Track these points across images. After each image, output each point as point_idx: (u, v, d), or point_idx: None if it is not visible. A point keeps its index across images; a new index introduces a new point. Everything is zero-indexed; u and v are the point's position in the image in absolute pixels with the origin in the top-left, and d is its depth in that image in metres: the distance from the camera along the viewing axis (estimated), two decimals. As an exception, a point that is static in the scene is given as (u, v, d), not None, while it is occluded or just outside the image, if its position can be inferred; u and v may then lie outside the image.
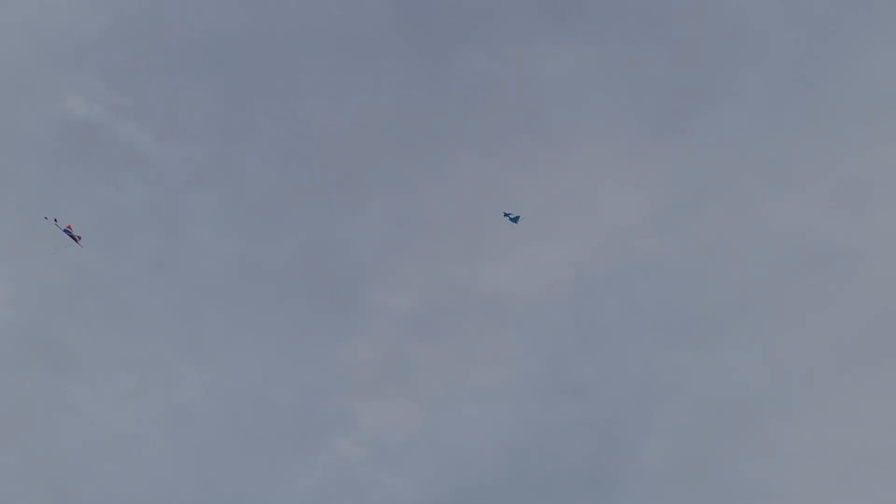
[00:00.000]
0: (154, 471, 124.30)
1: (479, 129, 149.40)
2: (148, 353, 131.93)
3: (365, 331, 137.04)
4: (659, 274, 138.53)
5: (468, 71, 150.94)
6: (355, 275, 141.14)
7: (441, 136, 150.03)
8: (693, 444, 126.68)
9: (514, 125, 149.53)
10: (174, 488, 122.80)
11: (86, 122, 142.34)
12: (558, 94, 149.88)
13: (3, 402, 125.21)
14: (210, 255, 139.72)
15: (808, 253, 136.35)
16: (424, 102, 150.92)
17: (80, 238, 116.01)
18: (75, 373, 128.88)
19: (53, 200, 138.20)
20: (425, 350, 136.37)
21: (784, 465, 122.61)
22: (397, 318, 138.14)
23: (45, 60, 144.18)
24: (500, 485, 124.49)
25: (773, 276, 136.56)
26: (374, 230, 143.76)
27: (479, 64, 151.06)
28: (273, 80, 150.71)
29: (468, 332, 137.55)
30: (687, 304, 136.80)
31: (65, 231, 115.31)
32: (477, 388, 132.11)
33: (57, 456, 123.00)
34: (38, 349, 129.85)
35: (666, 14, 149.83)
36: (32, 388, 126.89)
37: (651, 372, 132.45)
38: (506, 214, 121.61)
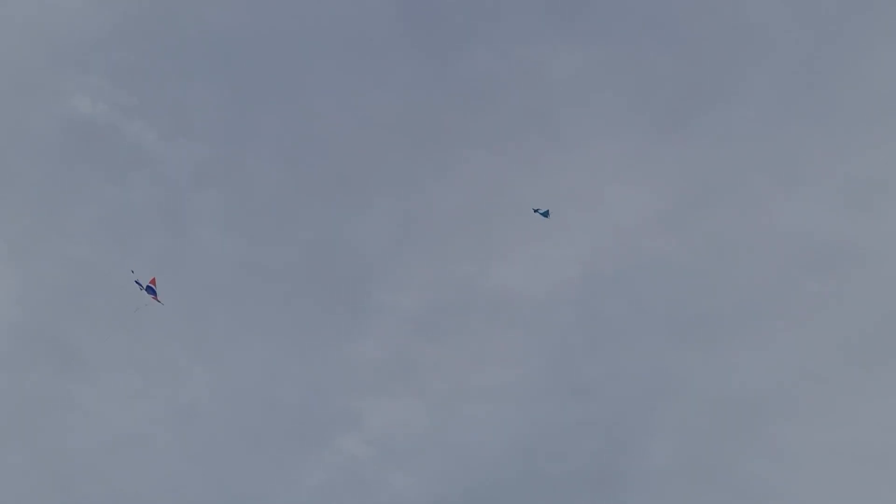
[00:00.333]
0: (160, 470, 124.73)
1: (486, 129, 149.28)
2: (154, 352, 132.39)
3: (371, 330, 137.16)
4: (666, 273, 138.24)
5: (474, 70, 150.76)
6: (361, 274, 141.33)
7: (447, 135, 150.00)
8: (700, 443, 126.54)
9: (520, 124, 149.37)
10: (180, 487, 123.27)
11: (91, 121, 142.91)
12: (565, 93, 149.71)
13: (9, 402, 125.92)
14: (216, 254, 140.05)
15: (817, 252, 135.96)
16: (430, 101, 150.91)
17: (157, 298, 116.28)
18: (81, 372, 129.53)
19: (59, 199, 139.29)
20: (431, 349, 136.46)
21: (791, 466, 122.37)
22: (403, 317, 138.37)
23: (50, 59, 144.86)
24: (507, 484, 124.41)
25: (781, 275, 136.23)
26: (381, 229, 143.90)
27: (486, 63, 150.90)
28: (279, 79, 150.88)
29: (474, 332, 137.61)
30: (694, 304, 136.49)
31: (147, 288, 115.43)
32: (483, 387, 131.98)
33: (63, 455, 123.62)
34: (43, 348, 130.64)
35: (673, 13, 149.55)
36: (38, 387, 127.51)
37: (658, 371, 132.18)
38: (535, 210, 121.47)
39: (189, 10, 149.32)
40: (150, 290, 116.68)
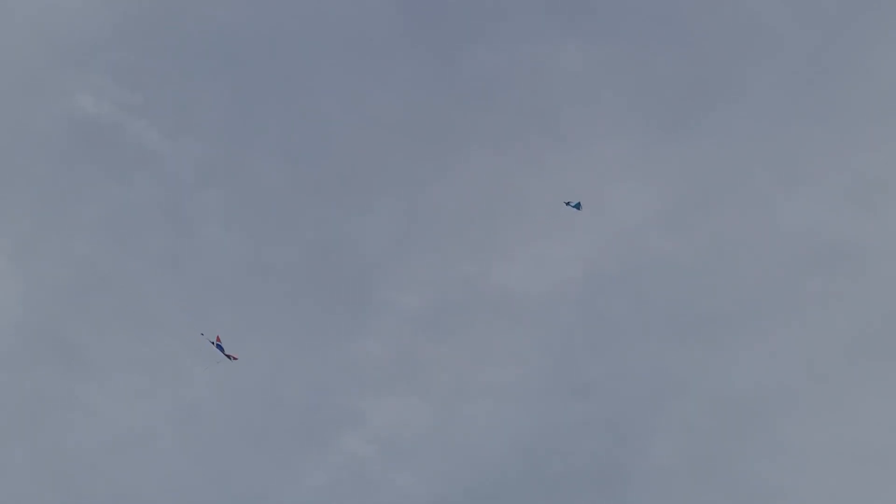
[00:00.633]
0: (163, 469, 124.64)
1: (489, 128, 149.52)
2: (158, 350, 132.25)
3: (375, 328, 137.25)
4: (669, 272, 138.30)
5: (477, 69, 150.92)
6: (365, 272, 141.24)
7: (451, 134, 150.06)
8: (702, 442, 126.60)
9: (524, 123, 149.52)
10: (184, 486, 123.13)
11: (95, 119, 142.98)
12: (569, 92, 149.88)
13: (12, 401, 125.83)
14: (220, 252, 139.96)
15: (820, 251, 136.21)
16: (433, 100, 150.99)
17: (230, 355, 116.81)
18: (85, 371, 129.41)
19: (62, 198, 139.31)
20: (435, 348, 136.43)
21: (793, 464, 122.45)
22: (407, 316, 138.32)
23: (54, 58, 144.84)
24: (510, 482, 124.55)
25: (785, 274, 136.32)
26: (384, 228, 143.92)
27: (488, 62, 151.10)
28: (283, 78, 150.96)
29: (477, 330, 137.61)
30: (697, 302, 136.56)
31: (217, 346, 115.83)
32: (487, 385, 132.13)
33: (66, 454, 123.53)
34: (47, 347, 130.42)
35: (677, 12, 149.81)
36: (42, 386, 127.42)
37: (660, 370, 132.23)
38: (567, 203, 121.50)
39: (192, 8, 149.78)
40: (220, 348, 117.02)
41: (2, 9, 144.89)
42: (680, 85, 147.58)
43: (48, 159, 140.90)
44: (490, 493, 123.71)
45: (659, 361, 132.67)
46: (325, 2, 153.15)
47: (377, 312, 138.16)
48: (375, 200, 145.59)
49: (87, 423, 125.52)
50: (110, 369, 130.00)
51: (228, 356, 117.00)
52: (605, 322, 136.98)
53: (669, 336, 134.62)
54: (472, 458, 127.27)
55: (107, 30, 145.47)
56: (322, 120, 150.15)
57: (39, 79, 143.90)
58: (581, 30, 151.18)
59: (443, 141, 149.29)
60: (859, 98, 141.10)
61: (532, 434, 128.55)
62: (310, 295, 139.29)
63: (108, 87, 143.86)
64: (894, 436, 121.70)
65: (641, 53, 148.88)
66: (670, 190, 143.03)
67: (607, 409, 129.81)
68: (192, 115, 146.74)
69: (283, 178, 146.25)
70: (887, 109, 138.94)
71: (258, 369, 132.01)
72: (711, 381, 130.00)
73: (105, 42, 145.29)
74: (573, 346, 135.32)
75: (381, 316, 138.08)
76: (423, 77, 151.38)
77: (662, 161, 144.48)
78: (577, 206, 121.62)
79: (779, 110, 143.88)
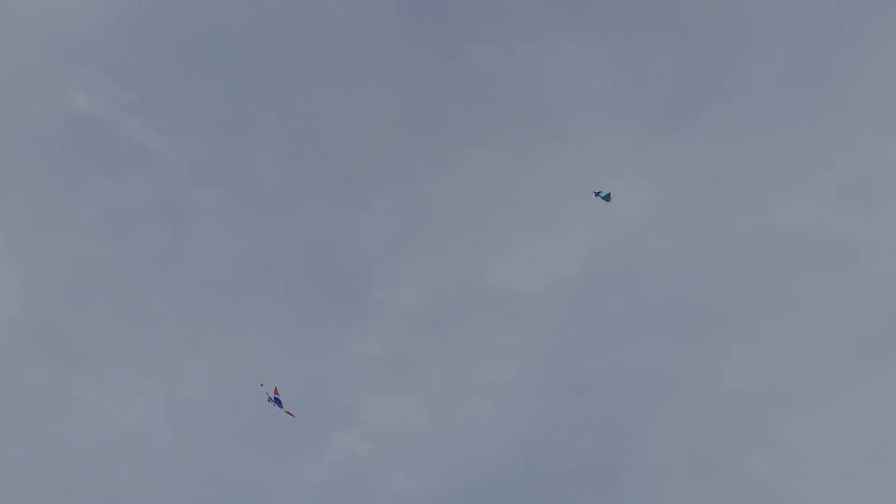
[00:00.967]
0: (160, 466, 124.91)
1: (486, 125, 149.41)
2: (154, 347, 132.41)
3: (370, 326, 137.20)
4: (665, 270, 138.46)
5: (475, 67, 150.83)
6: (361, 270, 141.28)
7: (448, 131, 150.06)
8: (699, 440, 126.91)
9: (521, 121, 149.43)
10: (180, 483, 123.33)
11: (90, 117, 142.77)
12: (566, 89, 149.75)
13: (9, 398, 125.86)
14: (215, 250, 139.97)
15: (815, 249, 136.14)
16: (430, 98, 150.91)
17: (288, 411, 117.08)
18: (81, 368, 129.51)
19: (58, 196, 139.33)
20: (431, 345, 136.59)
21: (790, 462, 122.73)
22: (403, 314, 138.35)
23: (50, 56, 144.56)
24: (507, 480, 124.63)
25: (780, 271, 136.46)
26: (380, 226, 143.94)
27: (486, 60, 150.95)
28: (279, 76, 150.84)
29: (474, 328, 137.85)
30: (693, 300, 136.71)
31: (275, 399, 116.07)
32: (483, 383, 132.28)
33: (62, 450, 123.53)
34: (43, 344, 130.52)
35: (672, 10, 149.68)
36: (38, 383, 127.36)
37: (657, 368, 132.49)
38: (596, 193, 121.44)
39: (189, 6, 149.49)
40: (277, 402, 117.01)
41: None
42: (676, 83, 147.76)
43: (44, 157, 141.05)
44: (486, 491, 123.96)
45: (655, 359, 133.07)
46: (323, 1, 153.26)
47: (373, 310, 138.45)
48: (372, 198, 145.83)
49: (83, 420, 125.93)
50: (107, 367, 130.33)
51: (287, 412, 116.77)
52: (602, 320, 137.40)
53: (665, 334, 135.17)
54: (468, 457, 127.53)
55: (103, 28, 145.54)
56: (319, 118, 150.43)
57: (36, 76, 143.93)
58: (578, 28, 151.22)
59: (440, 138, 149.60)
60: (854, 97, 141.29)
61: (528, 432, 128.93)
62: (306, 293, 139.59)
63: (104, 85, 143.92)
64: (889, 433, 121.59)
65: (638, 52, 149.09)
66: (667, 188, 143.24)
67: (603, 407, 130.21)
68: (188, 113, 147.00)
69: (280, 176, 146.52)
70: (882, 108, 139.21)
71: (255, 366, 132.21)
72: (707, 378, 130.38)
73: (101, 40, 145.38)
74: (569, 343, 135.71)
75: (378, 314, 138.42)
76: (420, 75, 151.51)
77: (659, 159, 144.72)
78: (607, 197, 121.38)
79: (774, 109, 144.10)
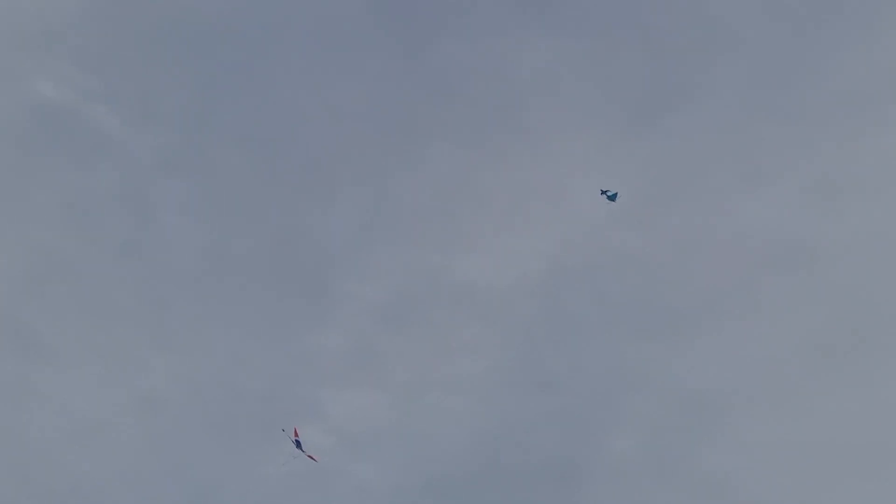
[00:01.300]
0: (122, 458, 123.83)
1: (453, 121, 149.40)
2: (116, 339, 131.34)
3: (335, 319, 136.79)
4: (631, 268, 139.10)
5: (443, 63, 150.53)
6: (326, 263, 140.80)
7: (415, 127, 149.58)
8: (662, 437, 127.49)
9: (488, 117, 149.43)
10: (142, 476, 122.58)
11: (55, 105, 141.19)
12: (534, 86, 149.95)
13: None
14: (180, 242, 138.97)
15: (779, 249, 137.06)
16: (399, 93, 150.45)
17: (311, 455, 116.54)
18: (41, 359, 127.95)
19: (20, 184, 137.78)
20: (395, 340, 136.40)
21: (751, 461, 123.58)
22: (368, 308, 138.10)
23: (13, 42, 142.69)
24: (470, 475, 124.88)
25: (744, 271, 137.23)
26: (346, 219, 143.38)
27: (454, 56, 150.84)
28: (247, 67, 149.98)
29: (439, 323, 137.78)
30: (658, 298, 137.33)
31: (296, 442, 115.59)
32: (447, 378, 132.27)
33: (21, 442, 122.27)
34: (3, 335, 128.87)
35: (641, 9, 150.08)
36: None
37: (621, 365, 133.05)
38: (603, 192, 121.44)
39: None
40: (298, 444, 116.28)
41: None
42: (644, 82, 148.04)
43: (5, 144, 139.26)
44: (449, 486, 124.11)
45: (620, 356, 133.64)
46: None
47: (338, 303, 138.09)
48: (338, 192, 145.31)
49: (42, 411, 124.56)
50: (68, 358, 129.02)
51: (310, 456, 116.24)
52: (567, 317, 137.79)
53: (630, 331, 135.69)
54: (432, 451, 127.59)
55: (68, 13, 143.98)
56: (286, 110, 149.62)
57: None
58: (547, 25, 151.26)
59: (407, 133, 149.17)
60: (820, 98, 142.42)
61: (492, 427, 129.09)
62: (271, 285, 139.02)
63: (68, 73, 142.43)
64: (849, 433, 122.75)
65: (606, 50, 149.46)
66: (633, 186, 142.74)
67: (568, 403, 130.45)
68: (154, 103, 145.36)
69: (246, 169, 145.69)
70: (849, 110, 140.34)
71: (217, 359, 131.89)
72: (671, 376, 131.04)
73: (66, 26, 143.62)
74: (534, 340, 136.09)
75: (342, 307, 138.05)
76: (388, 69, 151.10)
77: (626, 157, 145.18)
78: (614, 196, 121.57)
79: (741, 109, 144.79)
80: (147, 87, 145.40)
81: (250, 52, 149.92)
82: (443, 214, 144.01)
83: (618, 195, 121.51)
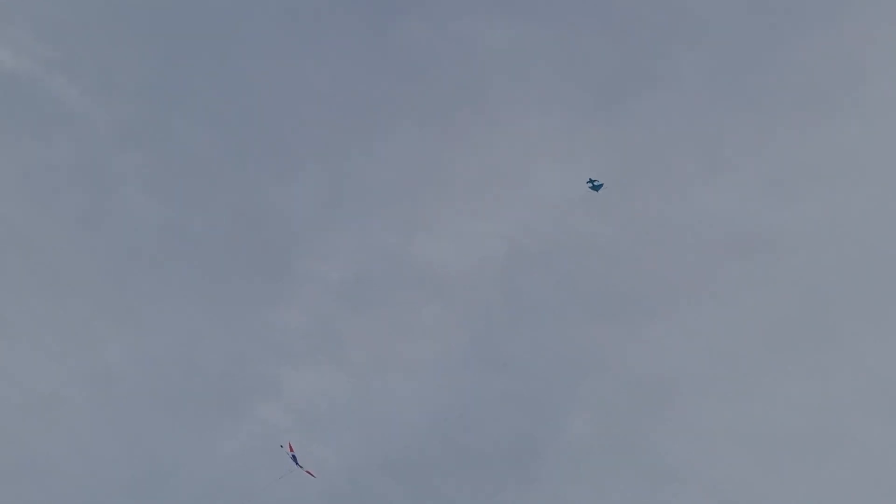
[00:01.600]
0: (75, 432, 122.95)
1: (418, 101, 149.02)
2: (72, 313, 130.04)
3: (295, 298, 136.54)
4: (590, 252, 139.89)
5: (407, 43, 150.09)
6: (287, 241, 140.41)
7: (378, 106, 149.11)
8: (616, 419, 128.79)
9: (451, 98, 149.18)
10: (95, 450, 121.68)
11: (13, 74, 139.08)
12: (497, 68, 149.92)
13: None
14: (138, 216, 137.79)
15: (738, 237, 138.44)
16: (362, 72, 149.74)
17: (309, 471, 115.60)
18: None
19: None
20: (355, 319, 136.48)
21: (704, 443, 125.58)
22: (327, 287, 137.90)
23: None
24: (427, 455, 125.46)
25: (701, 258, 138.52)
26: (308, 197, 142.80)
27: (419, 36, 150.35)
28: (209, 42, 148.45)
29: (398, 303, 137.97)
30: (616, 283, 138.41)
31: (291, 456, 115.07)
32: (405, 358, 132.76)
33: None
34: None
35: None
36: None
37: (578, 348, 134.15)
38: (589, 181, 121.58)
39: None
40: (293, 459, 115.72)
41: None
42: (607, 67, 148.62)
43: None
44: (406, 465, 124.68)
45: (577, 339, 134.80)
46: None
47: (298, 282, 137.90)
48: (300, 169, 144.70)
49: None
50: (21, 330, 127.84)
51: (307, 472, 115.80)
52: (526, 300, 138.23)
53: (587, 315, 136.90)
54: (389, 431, 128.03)
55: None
56: (248, 86, 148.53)
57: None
58: (512, 8, 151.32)
59: (370, 113, 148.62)
60: (781, 89, 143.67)
61: (449, 407, 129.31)
62: (230, 262, 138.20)
63: (27, 42, 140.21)
64: (800, 418, 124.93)
65: (570, 34, 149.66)
66: (594, 171, 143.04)
67: (524, 385, 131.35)
68: (115, 74, 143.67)
69: (207, 143, 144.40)
70: (808, 100, 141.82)
71: (174, 335, 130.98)
72: (626, 360, 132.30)
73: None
74: (493, 321, 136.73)
75: (302, 285, 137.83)
76: (352, 48, 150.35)
77: (587, 142, 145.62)
78: (598, 187, 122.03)
79: (704, 97, 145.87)
80: (108, 58, 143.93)
81: (214, 27, 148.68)
82: (405, 195, 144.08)
83: (602, 186, 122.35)
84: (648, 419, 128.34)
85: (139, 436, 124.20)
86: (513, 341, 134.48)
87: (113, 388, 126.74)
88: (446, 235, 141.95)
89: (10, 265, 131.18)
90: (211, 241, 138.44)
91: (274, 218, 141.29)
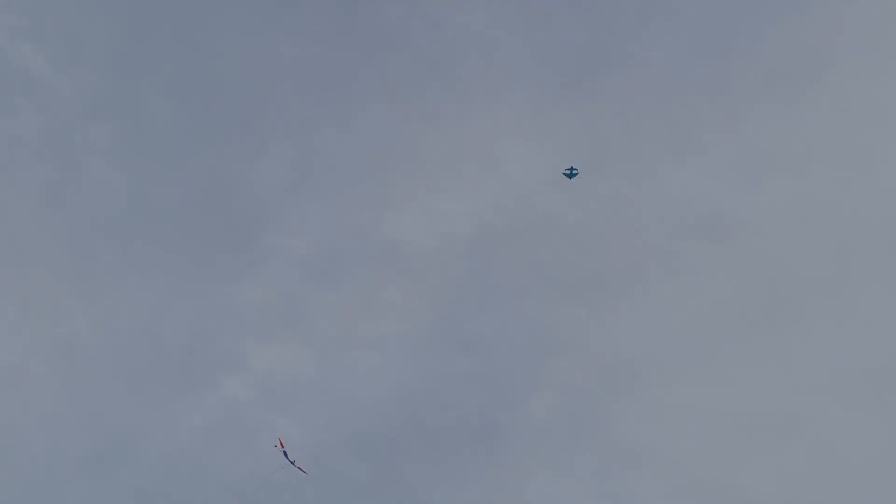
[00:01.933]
0: (38, 405, 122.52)
1: (388, 78, 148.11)
2: (34, 285, 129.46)
3: (260, 273, 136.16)
4: (557, 231, 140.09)
5: (378, 19, 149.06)
6: (253, 216, 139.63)
7: (348, 82, 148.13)
8: (580, 400, 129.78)
9: (422, 76, 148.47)
10: (58, 422, 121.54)
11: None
12: (469, 47, 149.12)
13: None
14: (104, 188, 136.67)
15: (704, 219, 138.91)
16: (333, 48, 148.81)
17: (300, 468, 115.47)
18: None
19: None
20: (321, 296, 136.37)
21: (666, 424, 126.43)
22: (294, 262, 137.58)
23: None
24: (391, 432, 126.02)
25: (668, 240, 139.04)
26: (275, 173, 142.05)
27: (390, 13, 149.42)
28: (179, 14, 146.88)
29: (365, 280, 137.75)
30: (583, 264, 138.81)
31: (283, 452, 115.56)
32: (371, 336, 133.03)
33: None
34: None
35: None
36: None
37: (544, 328, 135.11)
38: (567, 170, 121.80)
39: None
40: (285, 454, 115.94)
41: None
42: (578, 48, 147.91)
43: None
44: (369, 442, 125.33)
45: (543, 319, 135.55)
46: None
47: (264, 257, 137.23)
48: (268, 145, 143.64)
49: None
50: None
51: (299, 468, 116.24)
52: (492, 279, 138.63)
53: (553, 295, 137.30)
54: (353, 408, 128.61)
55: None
56: (218, 60, 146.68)
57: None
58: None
59: (340, 89, 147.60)
60: (751, 73, 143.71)
61: (414, 386, 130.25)
62: (196, 236, 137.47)
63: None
64: (763, 402, 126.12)
65: (542, 13, 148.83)
66: (563, 151, 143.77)
67: (489, 364, 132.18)
68: (82, 44, 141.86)
69: (174, 117, 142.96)
70: (778, 83, 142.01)
71: (139, 308, 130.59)
72: (591, 341, 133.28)
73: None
74: (459, 300, 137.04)
75: (268, 261, 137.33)
76: (322, 24, 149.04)
77: (557, 122, 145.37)
78: (574, 175, 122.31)
79: (673, 80, 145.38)
80: (75, 28, 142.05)
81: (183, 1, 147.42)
82: (374, 172, 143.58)
83: (577, 174, 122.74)
84: (612, 400, 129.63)
85: (102, 408, 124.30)
86: (478, 321, 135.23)
87: (77, 361, 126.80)
88: (414, 213, 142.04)
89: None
90: (177, 214, 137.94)
91: (242, 193, 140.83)
